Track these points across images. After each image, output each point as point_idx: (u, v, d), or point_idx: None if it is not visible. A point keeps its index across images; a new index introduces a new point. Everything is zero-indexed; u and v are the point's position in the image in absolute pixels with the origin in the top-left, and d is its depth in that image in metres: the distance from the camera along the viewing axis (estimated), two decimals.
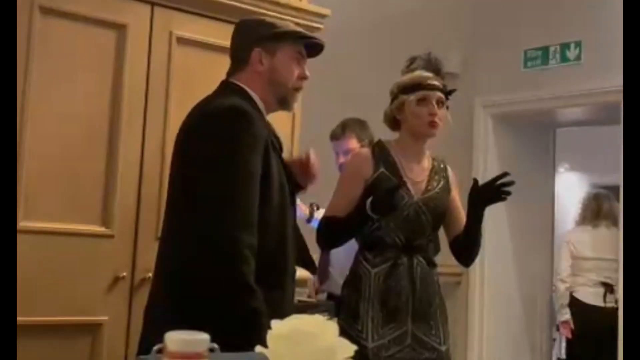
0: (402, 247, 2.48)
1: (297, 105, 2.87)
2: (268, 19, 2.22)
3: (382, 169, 2.51)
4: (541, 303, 5.29)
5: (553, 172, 5.49)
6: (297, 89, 2.17)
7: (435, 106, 2.50)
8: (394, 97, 2.59)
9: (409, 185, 2.50)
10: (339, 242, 2.67)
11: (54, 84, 2.45)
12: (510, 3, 4.89)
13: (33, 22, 2.40)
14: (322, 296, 3.81)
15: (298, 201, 3.22)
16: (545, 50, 4.68)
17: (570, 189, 8.82)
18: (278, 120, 2.50)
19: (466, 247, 2.57)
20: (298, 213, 3.28)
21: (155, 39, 2.64)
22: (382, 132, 4.12)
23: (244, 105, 1.94)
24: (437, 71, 2.57)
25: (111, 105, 2.55)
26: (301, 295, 3.31)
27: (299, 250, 2.93)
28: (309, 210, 3.43)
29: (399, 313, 2.46)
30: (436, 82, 2.54)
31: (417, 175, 2.54)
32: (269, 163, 1.93)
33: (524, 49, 4.79)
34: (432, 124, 2.49)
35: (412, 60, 2.61)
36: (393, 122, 2.63)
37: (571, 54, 4.60)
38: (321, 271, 3.68)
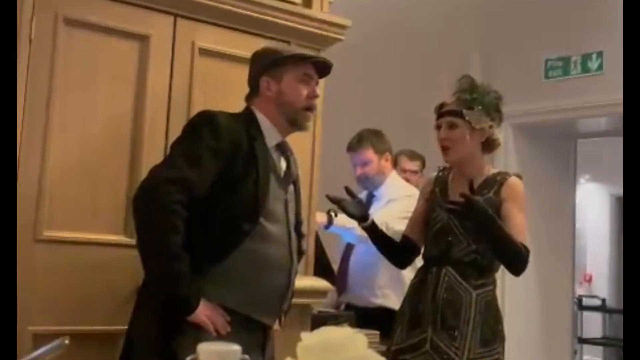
0: (435, 258, 2.60)
1: (318, 122, 2.90)
2: (273, 47, 2.39)
3: (436, 188, 2.70)
4: (562, 315, 5.25)
5: (574, 183, 5.46)
6: (308, 109, 2.30)
7: (443, 132, 2.61)
8: None
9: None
10: (392, 258, 2.87)
11: (77, 95, 2.47)
12: (531, 13, 4.88)
13: (57, 33, 2.42)
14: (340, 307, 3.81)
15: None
16: (566, 60, 4.67)
17: (591, 200, 8.78)
18: (298, 138, 2.51)
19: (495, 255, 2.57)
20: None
21: (178, 50, 2.65)
22: (399, 142, 4.13)
23: (217, 115, 2.23)
24: (474, 90, 2.60)
25: (134, 115, 2.56)
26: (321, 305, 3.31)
27: (318, 260, 3.00)
28: (327, 217, 3.43)
29: (422, 320, 2.54)
30: (447, 108, 2.61)
31: (458, 193, 2.60)
32: (233, 165, 2.19)
33: (544, 59, 4.77)
34: (442, 149, 2.63)
35: (461, 78, 2.67)
36: None
37: (592, 64, 4.58)
38: (340, 282, 3.68)
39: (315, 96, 2.34)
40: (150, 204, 2.12)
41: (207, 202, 2.17)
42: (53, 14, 2.41)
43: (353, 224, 3.29)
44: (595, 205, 8.94)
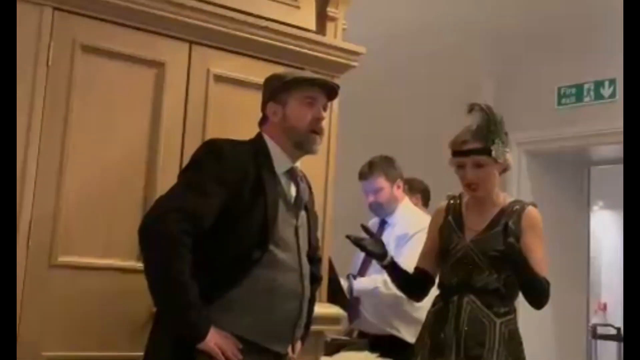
0: (455, 287, 2.59)
1: (332, 146, 2.91)
2: (280, 73, 2.37)
3: (449, 217, 2.69)
4: (577, 344, 5.20)
5: (588, 210, 5.43)
6: (314, 132, 2.28)
7: (470, 172, 2.58)
8: None
9: (465, 231, 2.63)
10: (411, 293, 2.87)
11: (93, 120, 2.49)
12: (544, 41, 4.89)
13: (75, 60, 2.44)
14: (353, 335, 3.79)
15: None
16: (579, 87, 4.67)
17: (605, 227, 8.71)
18: (311, 162, 2.52)
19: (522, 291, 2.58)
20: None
21: (193, 77, 2.67)
22: (412, 170, 4.13)
23: (222, 143, 2.24)
24: (490, 123, 2.57)
25: (149, 141, 2.58)
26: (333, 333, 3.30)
27: (332, 288, 2.99)
28: (347, 284, 3.56)
29: (444, 349, 2.53)
30: (469, 146, 2.58)
31: (476, 223, 2.63)
32: (240, 194, 2.17)
33: (557, 86, 4.78)
34: (469, 188, 2.61)
35: (470, 108, 2.62)
36: None
37: (605, 91, 4.59)
38: (352, 309, 3.66)
39: (321, 119, 2.33)
40: (155, 234, 2.11)
41: (216, 230, 2.16)
42: (71, 40, 2.44)
43: (374, 283, 3.47)
44: (609, 232, 8.87)
